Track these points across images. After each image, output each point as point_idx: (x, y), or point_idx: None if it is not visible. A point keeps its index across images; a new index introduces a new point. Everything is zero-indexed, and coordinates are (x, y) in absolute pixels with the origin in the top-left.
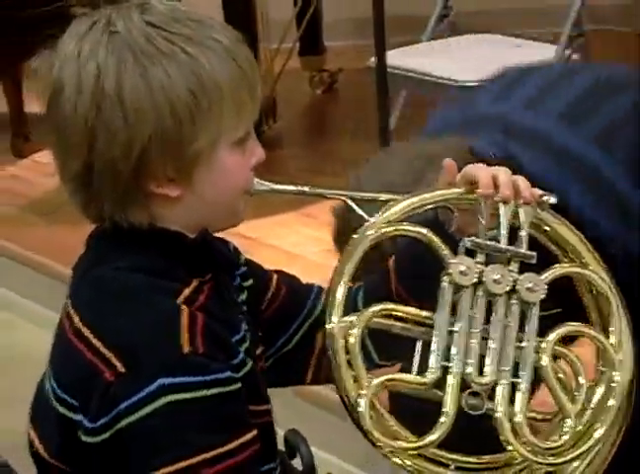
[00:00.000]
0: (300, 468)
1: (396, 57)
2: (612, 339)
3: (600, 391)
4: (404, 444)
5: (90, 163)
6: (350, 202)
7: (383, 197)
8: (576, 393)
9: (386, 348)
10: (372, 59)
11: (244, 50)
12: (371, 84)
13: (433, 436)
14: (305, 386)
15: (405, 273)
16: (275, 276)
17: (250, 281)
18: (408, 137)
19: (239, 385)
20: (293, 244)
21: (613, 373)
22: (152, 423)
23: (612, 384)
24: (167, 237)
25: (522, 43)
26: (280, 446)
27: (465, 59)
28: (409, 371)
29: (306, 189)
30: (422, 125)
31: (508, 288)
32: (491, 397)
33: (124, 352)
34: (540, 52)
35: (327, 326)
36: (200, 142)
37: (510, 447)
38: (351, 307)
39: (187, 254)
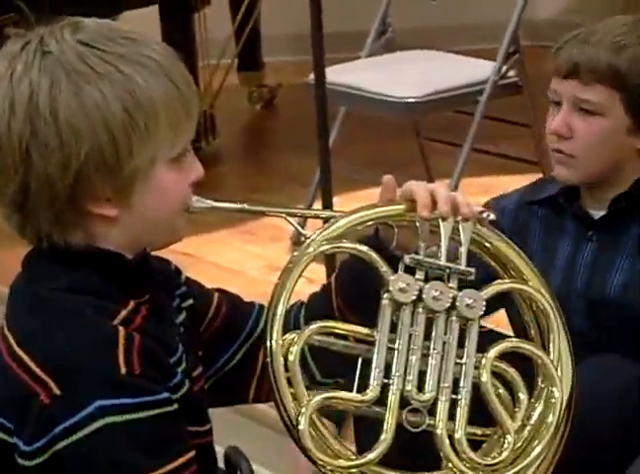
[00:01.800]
0: None
1: (335, 73)
2: (552, 355)
3: (539, 407)
4: (344, 463)
5: (26, 183)
6: (289, 219)
7: (323, 214)
8: (515, 409)
9: (328, 365)
10: (311, 76)
11: (180, 68)
12: (311, 100)
13: (372, 454)
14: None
15: (345, 288)
16: (215, 296)
17: (190, 301)
18: (347, 153)
19: (176, 406)
20: (234, 261)
21: (552, 389)
22: (88, 446)
23: (552, 400)
24: (104, 257)
25: (460, 60)
26: (221, 464)
27: (403, 75)
28: (351, 389)
29: (245, 206)
30: (360, 141)
31: (447, 305)
32: (431, 413)
33: (60, 374)
34: (477, 68)
35: (267, 343)
36: (137, 161)
37: (449, 464)
38: (293, 324)
39: (124, 275)
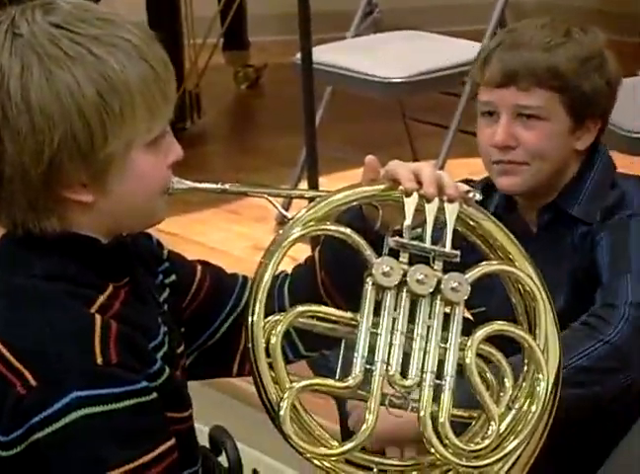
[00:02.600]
0: (226, 465)
1: (321, 53)
2: (539, 339)
3: (524, 393)
4: (326, 451)
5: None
6: (271, 200)
7: (307, 194)
8: (500, 394)
9: (312, 339)
10: (298, 55)
11: (157, 49)
12: (296, 80)
13: (354, 443)
14: (230, 382)
15: (329, 262)
16: (198, 269)
17: (172, 277)
18: (333, 133)
19: (155, 395)
20: (219, 241)
21: (538, 376)
22: (65, 437)
23: (537, 386)
24: (80, 242)
25: (446, 40)
26: (206, 443)
27: (389, 56)
28: (334, 366)
29: (227, 186)
30: (346, 121)
31: (431, 289)
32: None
33: (36, 364)
34: (464, 49)
35: (248, 326)
36: (113, 146)
37: (432, 449)
38: (277, 296)
39: (101, 259)
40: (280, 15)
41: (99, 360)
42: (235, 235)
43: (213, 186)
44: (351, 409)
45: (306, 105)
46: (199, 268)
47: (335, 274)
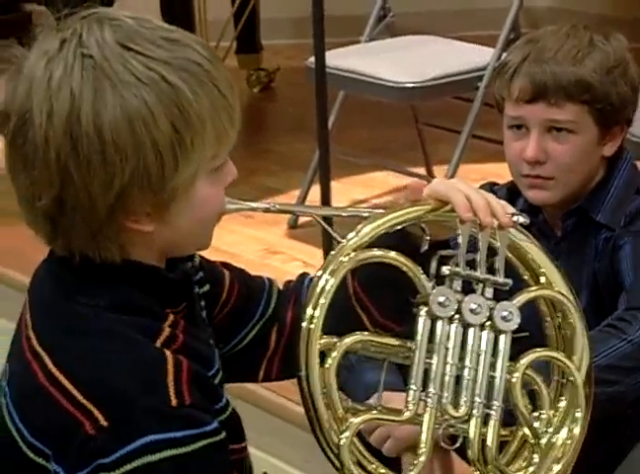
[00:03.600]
0: None
1: (334, 57)
2: (576, 366)
3: (560, 418)
4: None
5: (62, 198)
6: (317, 219)
7: (351, 213)
8: (537, 425)
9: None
10: (311, 59)
11: (223, 72)
12: (309, 83)
13: None
14: (241, 385)
15: (362, 272)
16: (226, 274)
17: (206, 287)
18: (345, 137)
19: (224, 434)
20: (231, 244)
21: (577, 411)
22: None
23: (575, 415)
24: (143, 271)
25: (460, 46)
26: None
27: (403, 61)
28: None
29: (276, 206)
30: (358, 126)
31: (484, 320)
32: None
33: (107, 403)
34: (477, 55)
35: (303, 366)
36: (181, 176)
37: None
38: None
39: (165, 288)
40: (292, 19)
41: (173, 403)
42: (247, 238)
43: (264, 205)
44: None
45: (319, 108)
46: (227, 274)
47: (369, 284)
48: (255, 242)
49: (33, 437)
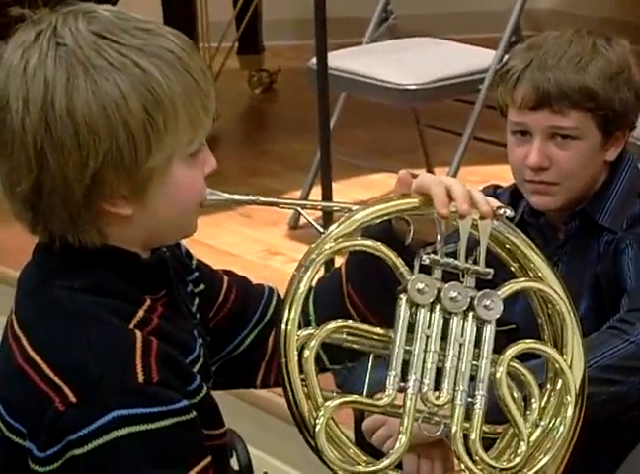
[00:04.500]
0: (237, 468)
1: (336, 59)
2: (567, 357)
3: (551, 410)
4: (361, 469)
5: (40, 182)
6: (302, 212)
7: (337, 207)
8: (527, 412)
9: (337, 352)
10: (313, 60)
11: (197, 60)
12: (310, 85)
13: (389, 460)
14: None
15: (356, 275)
16: (225, 280)
17: (201, 287)
18: (347, 139)
19: (194, 414)
20: (231, 244)
21: (566, 397)
22: (103, 455)
23: (564, 406)
24: (122, 257)
25: (461, 48)
26: None
27: (404, 63)
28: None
29: (259, 198)
30: (359, 127)
31: (465, 308)
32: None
33: (76, 380)
34: (479, 57)
35: (282, 334)
36: (155, 159)
37: (462, 465)
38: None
39: (141, 273)
40: (294, 20)
41: (140, 379)
42: (247, 239)
43: (246, 198)
44: (367, 416)
45: (321, 110)
46: (225, 279)
47: (362, 288)
48: (255, 242)
49: (9, 416)
